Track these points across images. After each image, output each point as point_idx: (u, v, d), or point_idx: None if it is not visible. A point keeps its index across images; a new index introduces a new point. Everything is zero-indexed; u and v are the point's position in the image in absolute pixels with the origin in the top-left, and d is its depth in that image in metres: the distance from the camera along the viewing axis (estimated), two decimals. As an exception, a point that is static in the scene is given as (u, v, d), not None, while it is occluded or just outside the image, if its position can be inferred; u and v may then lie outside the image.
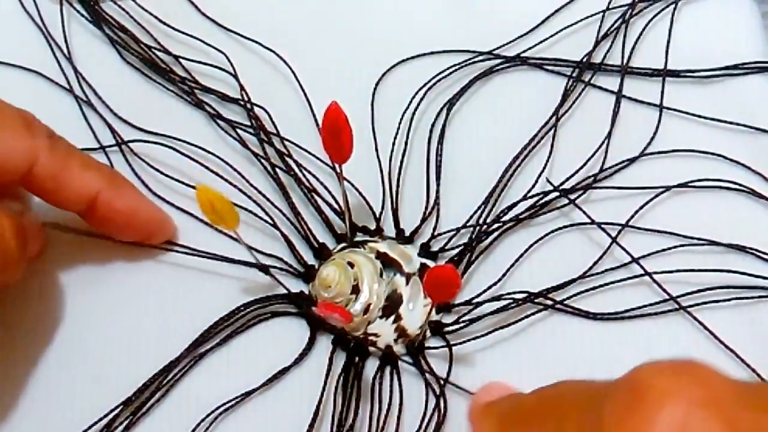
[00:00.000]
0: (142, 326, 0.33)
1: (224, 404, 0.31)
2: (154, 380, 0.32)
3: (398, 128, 0.36)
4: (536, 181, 0.35)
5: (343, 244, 0.34)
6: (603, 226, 0.34)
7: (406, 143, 0.36)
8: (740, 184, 0.35)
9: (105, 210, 0.31)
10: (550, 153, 0.36)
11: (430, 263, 0.34)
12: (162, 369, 0.32)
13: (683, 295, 0.33)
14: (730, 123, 0.37)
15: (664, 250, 0.34)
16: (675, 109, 0.37)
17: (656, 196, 0.35)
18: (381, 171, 0.36)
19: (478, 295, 0.33)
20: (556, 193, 0.35)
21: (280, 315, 0.33)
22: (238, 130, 0.36)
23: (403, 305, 0.32)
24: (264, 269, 0.33)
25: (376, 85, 0.38)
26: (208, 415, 0.31)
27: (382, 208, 0.35)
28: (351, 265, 0.32)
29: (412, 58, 0.38)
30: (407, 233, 0.35)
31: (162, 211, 0.34)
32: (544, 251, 0.34)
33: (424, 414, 0.32)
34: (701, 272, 0.33)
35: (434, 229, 0.35)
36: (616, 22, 0.39)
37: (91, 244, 0.34)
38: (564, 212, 0.35)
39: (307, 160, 0.36)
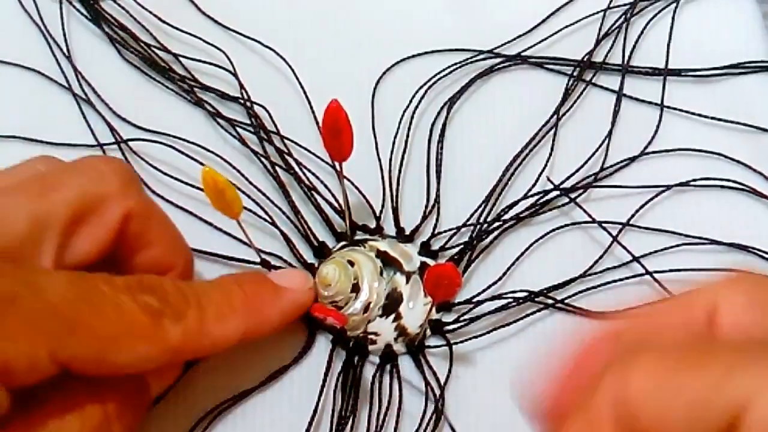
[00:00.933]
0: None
1: (223, 403, 0.31)
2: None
3: (398, 127, 0.36)
4: (537, 180, 0.35)
5: (343, 243, 0.34)
6: (604, 225, 0.34)
7: (406, 142, 0.36)
8: (741, 183, 0.35)
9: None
10: (551, 152, 0.36)
11: (431, 262, 0.34)
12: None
13: (684, 295, 0.33)
14: (731, 122, 0.37)
15: (664, 249, 0.34)
16: (676, 108, 0.37)
17: (657, 195, 0.35)
18: (381, 170, 0.35)
19: (479, 294, 0.33)
20: (557, 192, 0.35)
21: (280, 314, 0.33)
22: (238, 129, 0.36)
23: (404, 304, 0.32)
24: (265, 265, 0.33)
25: (377, 83, 0.38)
26: (207, 414, 0.31)
27: (383, 206, 0.35)
28: (351, 263, 0.32)
29: (413, 57, 0.38)
30: (407, 232, 0.35)
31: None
32: (544, 250, 0.34)
33: (424, 413, 0.31)
34: (702, 271, 0.33)
35: (434, 228, 0.35)
36: (617, 21, 0.39)
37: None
38: (564, 211, 0.35)
39: (307, 158, 0.36)
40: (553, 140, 0.36)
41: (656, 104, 0.37)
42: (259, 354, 0.32)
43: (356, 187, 0.35)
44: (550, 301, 0.33)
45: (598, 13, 0.39)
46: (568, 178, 0.35)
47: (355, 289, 0.32)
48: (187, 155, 0.35)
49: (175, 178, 0.35)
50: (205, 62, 0.37)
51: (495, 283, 0.33)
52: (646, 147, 0.36)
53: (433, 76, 0.38)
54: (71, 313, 0.23)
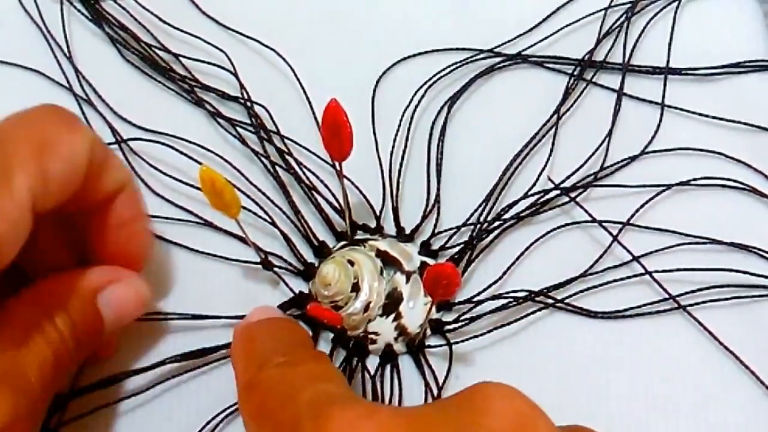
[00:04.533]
0: (143, 325, 0.33)
1: (231, 406, 0.31)
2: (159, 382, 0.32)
3: (399, 126, 0.36)
4: (537, 179, 0.35)
5: (343, 242, 0.34)
6: (604, 224, 0.34)
7: (406, 141, 0.36)
8: (741, 183, 0.35)
9: (124, 205, 0.28)
10: (551, 151, 0.36)
11: (431, 261, 0.34)
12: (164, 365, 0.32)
13: (683, 294, 0.33)
14: (732, 121, 0.37)
15: (664, 248, 0.34)
16: (676, 108, 0.37)
17: (657, 194, 0.35)
18: (381, 169, 0.35)
19: (479, 294, 0.33)
20: (557, 191, 0.35)
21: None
22: (238, 129, 0.36)
23: (404, 303, 0.32)
24: (265, 263, 0.33)
25: (377, 83, 0.38)
26: (214, 417, 0.31)
27: (383, 206, 0.35)
28: (351, 263, 0.32)
29: (413, 56, 0.38)
30: (407, 231, 0.35)
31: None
32: (544, 249, 0.34)
33: (424, 413, 0.31)
34: (702, 271, 0.33)
35: (435, 228, 0.35)
36: (618, 20, 0.39)
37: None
38: (565, 210, 0.35)
39: (307, 158, 0.36)
40: (554, 139, 0.36)
41: (657, 103, 0.37)
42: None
43: (356, 187, 0.35)
44: (550, 301, 0.33)
45: (599, 12, 0.39)
46: (568, 177, 0.35)
47: (356, 288, 0.32)
48: (187, 155, 0.35)
49: (175, 178, 0.35)
50: (205, 62, 0.37)
51: (495, 282, 0.33)
52: (646, 146, 0.36)
53: (434, 76, 0.38)
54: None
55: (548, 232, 0.34)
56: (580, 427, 0.24)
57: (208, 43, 0.38)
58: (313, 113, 0.37)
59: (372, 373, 0.32)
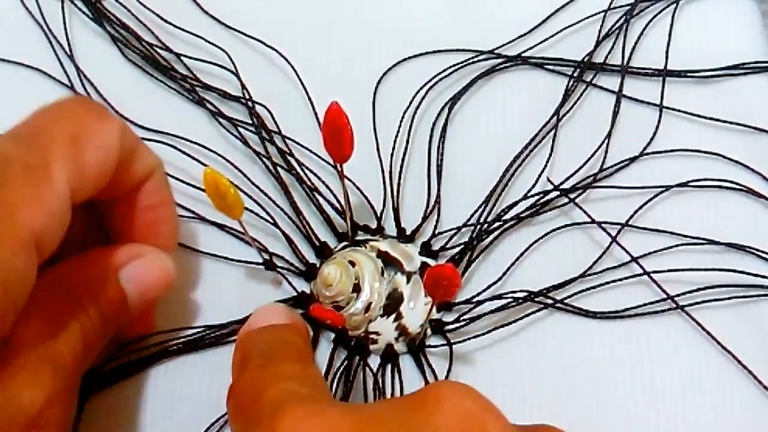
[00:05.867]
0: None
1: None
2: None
3: (399, 127, 0.37)
4: (537, 180, 0.35)
5: (344, 243, 0.34)
6: (603, 225, 0.34)
7: (407, 142, 0.36)
8: (739, 184, 0.35)
9: (152, 190, 0.28)
10: (551, 152, 0.36)
11: (431, 262, 0.34)
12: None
13: (682, 294, 0.33)
14: (730, 123, 0.37)
15: (663, 249, 0.34)
16: (675, 109, 0.37)
17: (656, 195, 0.35)
18: (382, 170, 0.36)
19: (479, 294, 0.33)
20: (557, 192, 0.35)
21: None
22: (240, 129, 0.36)
23: (404, 304, 0.33)
24: (269, 264, 0.33)
25: (378, 83, 0.38)
26: (220, 418, 0.31)
27: (384, 206, 0.35)
28: (352, 263, 0.32)
29: (414, 57, 0.38)
30: (408, 232, 0.35)
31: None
32: (544, 250, 0.35)
33: (425, 412, 0.32)
34: (700, 271, 0.33)
35: (435, 228, 0.35)
36: (617, 22, 0.39)
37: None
38: (564, 211, 0.35)
39: (309, 158, 0.36)
40: (553, 141, 0.36)
41: (656, 105, 0.37)
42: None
43: (357, 188, 0.35)
44: (549, 301, 0.33)
45: (598, 13, 0.39)
46: (567, 178, 0.35)
47: (357, 289, 0.32)
48: (188, 155, 0.35)
49: (176, 178, 0.35)
50: (207, 62, 0.37)
51: (495, 283, 0.34)
52: (645, 147, 0.36)
53: (434, 77, 0.38)
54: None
55: (548, 233, 0.35)
56: (545, 426, 0.24)
57: (210, 43, 0.38)
58: (315, 113, 0.37)
59: (374, 372, 0.32)
